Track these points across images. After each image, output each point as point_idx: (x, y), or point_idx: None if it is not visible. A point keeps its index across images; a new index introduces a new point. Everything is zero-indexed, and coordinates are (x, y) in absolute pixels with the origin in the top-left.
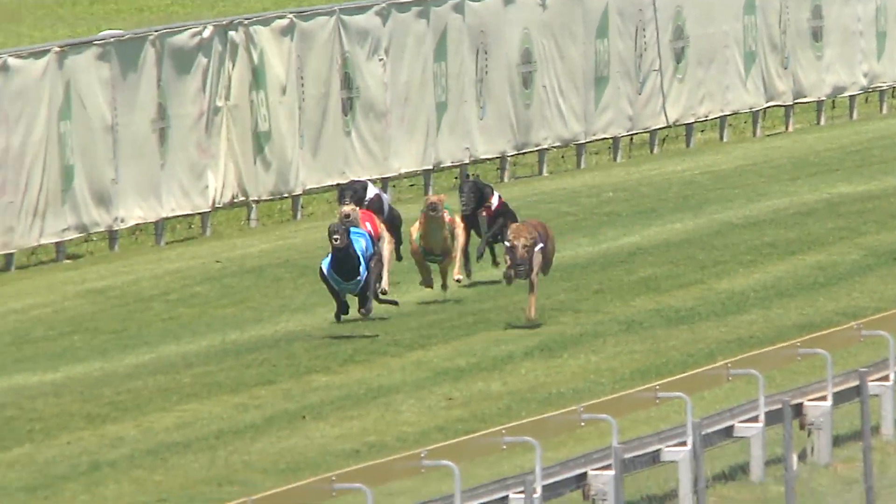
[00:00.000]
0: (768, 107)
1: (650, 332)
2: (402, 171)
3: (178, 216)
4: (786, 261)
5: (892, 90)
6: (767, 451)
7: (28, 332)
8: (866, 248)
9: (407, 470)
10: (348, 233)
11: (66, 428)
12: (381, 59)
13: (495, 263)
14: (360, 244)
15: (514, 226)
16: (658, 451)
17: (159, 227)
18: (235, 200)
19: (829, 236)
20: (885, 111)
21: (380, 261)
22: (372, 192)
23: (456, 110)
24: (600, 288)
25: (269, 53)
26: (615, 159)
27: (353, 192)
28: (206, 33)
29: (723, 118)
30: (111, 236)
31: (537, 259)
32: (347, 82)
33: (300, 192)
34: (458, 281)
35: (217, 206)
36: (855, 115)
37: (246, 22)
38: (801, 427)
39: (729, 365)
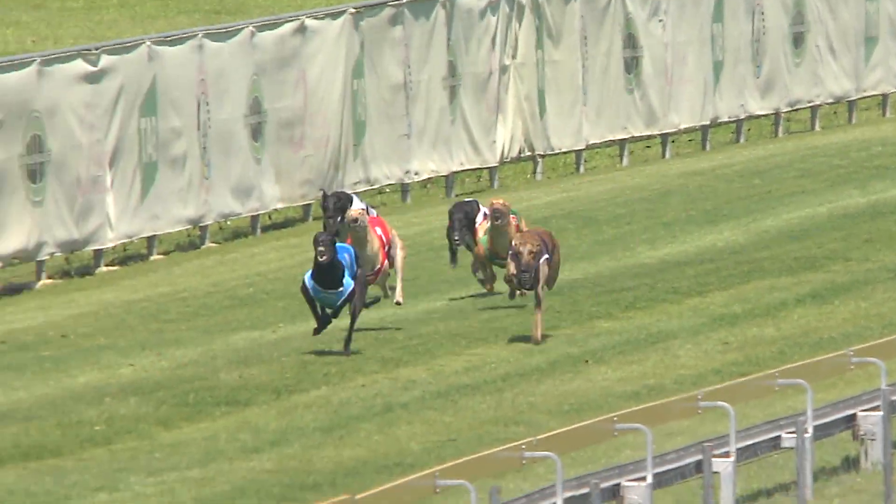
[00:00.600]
0: None
1: None
2: (682, 126)
3: (467, 170)
4: None
5: None
6: None
7: None
8: None
9: (684, 410)
10: (335, 246)
11: (360, 371)
12: (660, 20)
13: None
14: (344, 258)
15: (519, 234)
16: None
17: (449, 180)
18: (522, 155)
19: None
20: None
21: (363, 294)
22: (357, 206)
23: (732, 69)
24: (870, 237)
25: (554, 14)
26: (884, 115)
27: (336, 199)
28: None
29: None
30: (403, 189)
31: (543, 271)
32: (630, 42)
33: (583, 147)
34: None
35: (504, 160)
36: None
37: None
38: None
39: None
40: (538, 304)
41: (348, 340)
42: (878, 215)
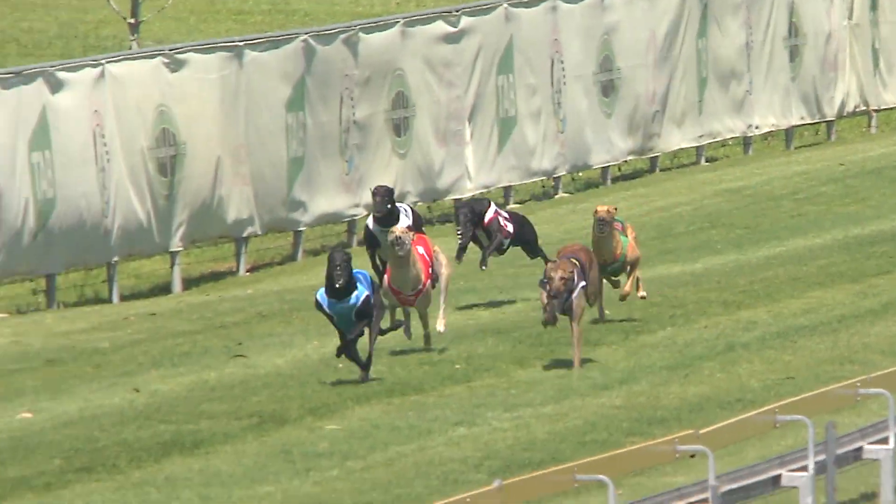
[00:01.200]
0: None
1: None
2: None
3: (805, 124)
4: None
5: None
6: None
7: (670, 227)
8: None
9: None
10: (350, 268)
11: (704, 313)
12: None
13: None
14: (360, 280)
15: (551, 263)
16: None
17: (789, 133)
18: (857, 109)
19: None
20: None
21: (379, 317)
22: (403, 222)
23: None
24: None
25: None
26: None
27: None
28: None
29: None
30: (745, 142)
31: (580, 304)
32: None
33: None
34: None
35: (842, 115)
36: None
37: None
38: None
39: None
40: (576, 341)
41: (367, 365)
42: None
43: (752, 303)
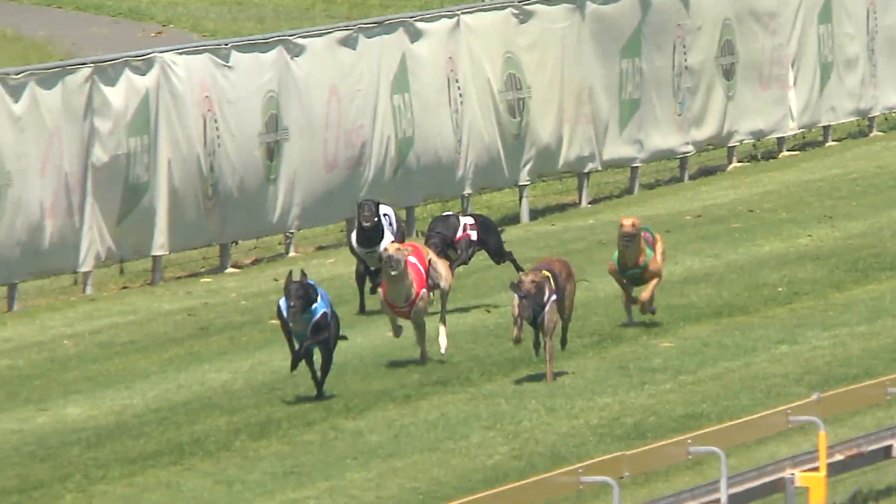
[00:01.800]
0: None
1: None
2: None
3: None
4: None
5: None
6: None
7: None
8: None
9: None
10: (307, 301)
11: None
12: None
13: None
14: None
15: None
16: None
17: None
18: None
19: None
20: None
21: (335, 337)
22: (388, 237)
23: None
24: None
25: None
26: None
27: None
28: None
29: None
30: None
31: (552, 319)
32: None
33: None
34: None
35: None
36: None
37: None
38: None
39: None
40: (548, 352)
41: (320, 384)
42: None
43: None
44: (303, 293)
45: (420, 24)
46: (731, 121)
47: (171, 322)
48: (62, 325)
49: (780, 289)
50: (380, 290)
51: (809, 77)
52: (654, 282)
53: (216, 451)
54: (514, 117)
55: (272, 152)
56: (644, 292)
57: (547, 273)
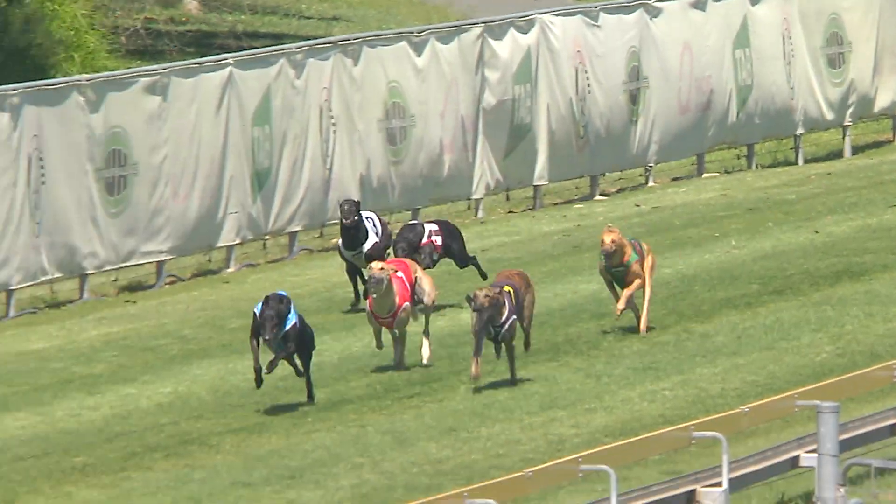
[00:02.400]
0: None
1: None
2: None
3: None
4: None
5: None
6: None
7: None
8: None
9: None
10: (282, 323)
11: None
12: None
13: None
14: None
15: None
16: None
17: None
18: None
19: None
20: None
21: (309, 345)
22: (372, 239)
23: None
24: None
25: None
26: None
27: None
28: None
29: None
30: None
31: (511, 335)
32: None
33: None
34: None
35: None
36: None
37: None
38: None
39: None
40: (509, 358)
41: (309, 390)
42: None
43: None
44: (277, 321)
45: None
46: None
47: (549, 241)
48: None
49: None
50: (366, 301)
51: None
52: (635, 284)
53: (587, 350)
54: (835, 68)
55: (634, 98)
56: (621, 300)
57: (509, 288)
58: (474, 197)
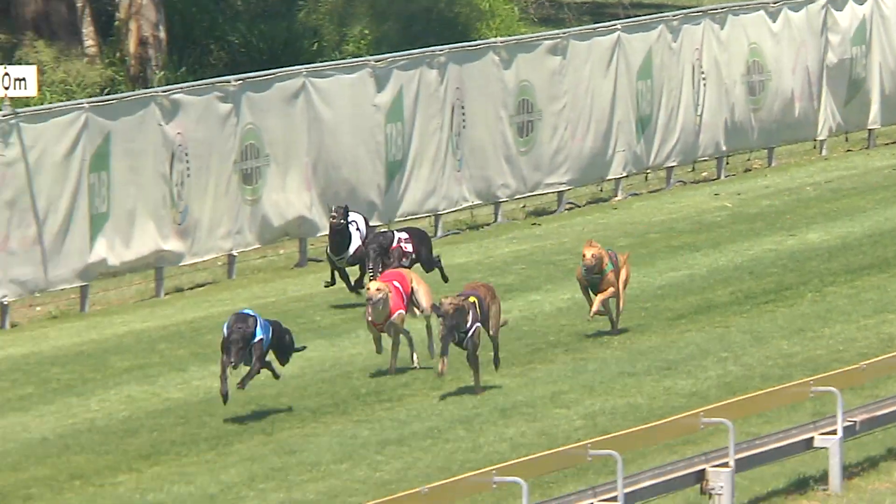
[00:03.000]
0: None
1: None
2: None
3: None
4: None
5: None
6: None
7: None
8: None
9: None
10: (246, 345)
11: None
12: None
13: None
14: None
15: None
16: None
17: None
18: None
19: None
20: None
21: (260, 361)
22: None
23: None
24: None
25: None
26: None
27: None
28: None
29: None
30: None
31: (475, 342)
32: None
33: None
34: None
35: None
36: None
37: None
38: None
39: None
40: (474, 366)
41: (246, 379)
42: None
43: None
44: (242, 345)
45: None
46: None
47: (881, 175)
48: (805, 176)
49: None
50: (367, 310)
51: None
52: (608, 292)
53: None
54: None
55: None
56: (595, 305)
57: (473, 299)
58: (819, 138)
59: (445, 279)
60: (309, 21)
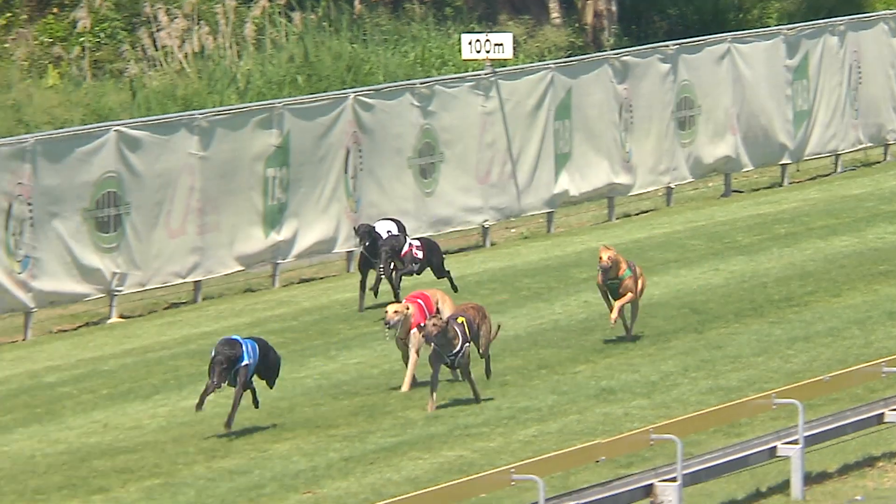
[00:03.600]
0: None
1: None
2: None
3: None
4: None
5: None
6: None
7: None
8: None
9: None
10: (231, 367)
11: None
12: None
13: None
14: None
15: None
16: None
17: None
18: None
19: None
20: None
21: (244, 384)
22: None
23: None
24: None
25: None
26: None
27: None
28: None
29: None
30: None
31: (465, 362)
32: None
33: None
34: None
35: None
36: None
37: None
38: None
39: None
40: (469, 379)
41: (230, 418)
42: None
43: None
44: (227, 366)
45: None
46: None
47: None
48: None
49: None
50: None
51: None
52: (627, 297)
53: None
54: None
55: None
56: (614, 312)
57: (462, 319)
58: None
59: (455, 289)
60: None
